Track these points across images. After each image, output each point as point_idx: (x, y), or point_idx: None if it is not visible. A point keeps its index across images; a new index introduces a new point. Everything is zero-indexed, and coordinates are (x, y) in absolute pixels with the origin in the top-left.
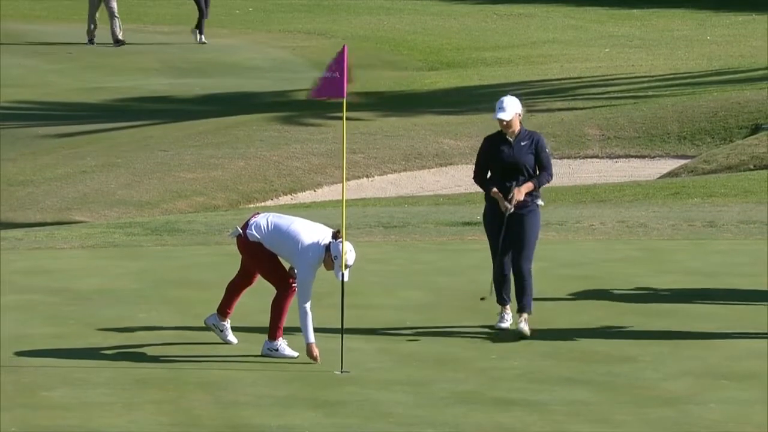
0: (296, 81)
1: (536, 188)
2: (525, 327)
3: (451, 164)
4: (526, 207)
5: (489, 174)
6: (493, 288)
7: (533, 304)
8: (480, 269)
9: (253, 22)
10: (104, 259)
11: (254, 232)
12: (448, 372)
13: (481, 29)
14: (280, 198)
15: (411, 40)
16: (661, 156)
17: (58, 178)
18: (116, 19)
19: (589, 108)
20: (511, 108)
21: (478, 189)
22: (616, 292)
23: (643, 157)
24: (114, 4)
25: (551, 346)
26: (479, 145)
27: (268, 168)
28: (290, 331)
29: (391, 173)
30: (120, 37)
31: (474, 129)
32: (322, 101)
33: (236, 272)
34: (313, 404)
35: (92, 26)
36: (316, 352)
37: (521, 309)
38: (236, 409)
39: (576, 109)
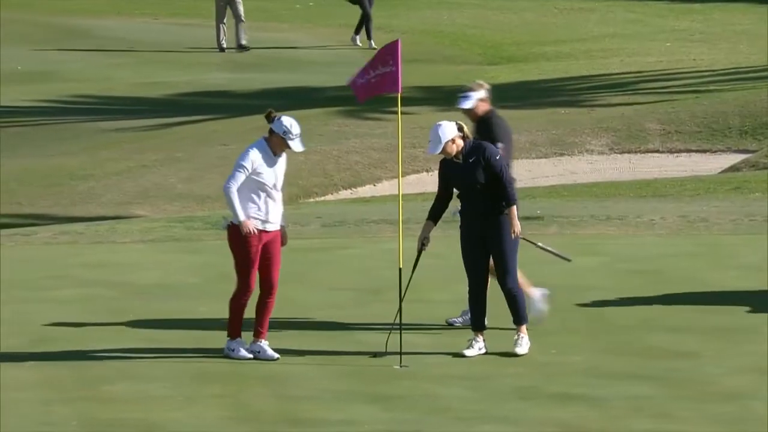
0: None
1: (514, 205)
2: (521, 348)
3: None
4: (496, 223)
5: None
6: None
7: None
8: (539, 264)
9: (313, 17)
10: (164, 253)
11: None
12: (508, 367)
13: (541, 23)
14: (339, 192)
15: (470, 35)
16: (722, 151)
17: (119, 172)
18: (242, 23)
19: (650, 102)
20: (438, 138)
21: (538, 183)
22: (676, 287)
23: (704, 151)
24: (241, 9)
25: (611, 342)
26: (539, 140)
27: (328, 162)
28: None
29: None
30: (243, 42)
31: (534, 124)
32: (379, 96)
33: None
34: (371, 399)
35: (221, 33)
36: (249, 225)
37: (518, 322)
38: (296, 403)
39: (637, 103)
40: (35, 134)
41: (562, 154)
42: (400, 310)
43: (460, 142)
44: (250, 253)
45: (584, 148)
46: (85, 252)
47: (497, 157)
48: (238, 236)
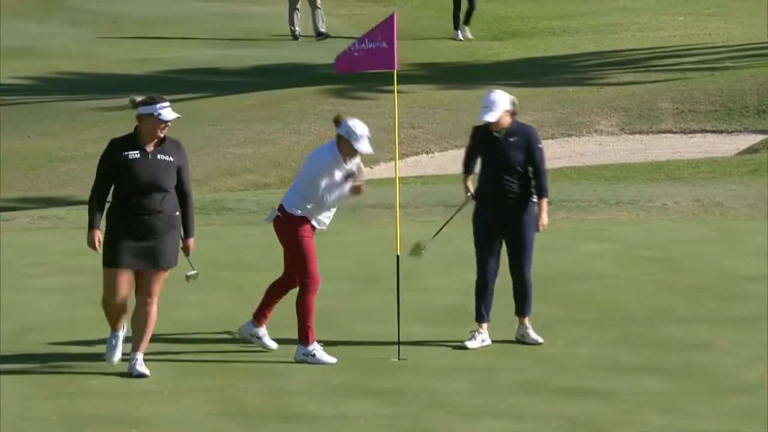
0: None
1: (546, 198)
2: (536, 335)
3: None
4: (523, 210)
5: (480, 168)
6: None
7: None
8: (549, 251)
9: None
10: None
11: (286, 206)
12: (512, 359)
13: None
14: None
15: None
16: (738, 131)
17: (101, 154)
18: (319, 10)
19: (663, 80)
20: (498, 106)
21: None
22: (690, 275)
23: (719, 132)
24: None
25: (621, 332)
26: (545, 120)
27: (322, 143)
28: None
29: (453, 149)
30: (322, 29)
31: (540, 102)
32: (373, 73)
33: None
34: (368, 393)
35: (294, 19)
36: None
37: (523, 313)
38: (288, 397)
39: (648, 81)
40: (12, 114)
41: (569, 135)
42: (398, 299)
43: (508, 118)
44: (311, 242)
45: (593, 128)
46: (65, 238)
47: (540, 145)
48: (293, 227)
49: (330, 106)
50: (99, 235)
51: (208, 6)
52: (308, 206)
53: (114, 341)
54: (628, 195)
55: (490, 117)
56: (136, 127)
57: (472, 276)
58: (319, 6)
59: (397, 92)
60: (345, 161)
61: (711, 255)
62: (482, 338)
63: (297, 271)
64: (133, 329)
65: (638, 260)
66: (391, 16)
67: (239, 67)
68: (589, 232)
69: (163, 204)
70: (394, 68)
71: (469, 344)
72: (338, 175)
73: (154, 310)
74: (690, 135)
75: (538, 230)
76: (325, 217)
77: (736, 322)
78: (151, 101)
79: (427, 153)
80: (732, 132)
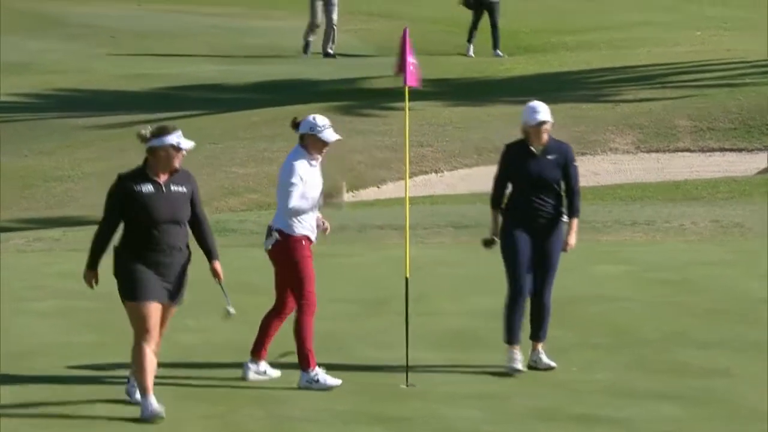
0: (359, 67)
1: (577, 219)
2: (549, 360)
3: None
4: (554, 230)
5: (510, 188)
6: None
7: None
8: (563, 272)
9: None
10: None
11: (283, 228)
12: (524, 386)
13: (562, 10)
14: None
15: (484, 23)
16: (759, 149)
17: (98, 173)
18: (333, 30)
19: (680, 97)
20: (548, 112)
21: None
22: (708, 298)
23: (739, 150)
24: (335, 14)
25: (637, 357)
26: (558, 137)
27: (328, 162)
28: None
29: (463, 168)
30: (331, 50)
31: (554, 120)
32: (383, 90)
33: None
34: (375, 420)
35: (310, 34)
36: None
37: (539, 338)
38: (291, 424)
39: (665, 98)
40: (7, 131)
41: (583, 153)
42: (406, 323)
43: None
44: (310, 264)
45: (608, 146)
46: (61, 260)
47: (575, 163)
48: (295, 248)
49: (336, 123)
50: (96, 277)
51: (209, 20)
52: (298, 218)
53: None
54: (644, 215)
55: (547, 116)
56: (146, 160)
57: (484, 299)
58: (335, 26)
59: (408, 109)
60: (313, 158)
61: (730, 277)
62: (519, 357)
63: (294, 293)
64: (134, 368)
65: (654, 283)
66: (404, 32)
67: (242, 83)
68: (603, 253)
69: (179, 239)
70: (406, 84)
71: (518, 366)
72: (311, 174)
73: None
74: (708, 153)
75: (564, 250)
76: (313, 220)
77: (755, 348)
78: (164, 132)
79: (436, 172)
80: (752, 150)
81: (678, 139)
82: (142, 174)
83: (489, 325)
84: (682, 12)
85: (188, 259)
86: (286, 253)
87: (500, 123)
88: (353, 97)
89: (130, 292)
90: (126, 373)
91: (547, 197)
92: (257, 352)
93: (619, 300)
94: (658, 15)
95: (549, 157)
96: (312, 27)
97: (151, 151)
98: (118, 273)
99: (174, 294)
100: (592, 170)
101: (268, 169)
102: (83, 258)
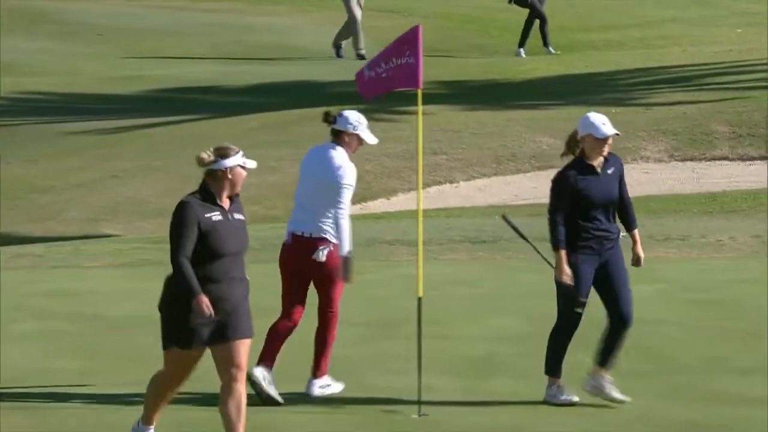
0: None
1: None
2: (619, 393)
3: (551, 167)
4: (617, 248)
5: (572, 210)
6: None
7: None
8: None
9: None
10: (139, 279)
11: (326, 235)
12: (549, 415)
13: (589, 6)
14: None
15: (503, 20)
16: None
17: (85, 183)
18: (359, 29)
19: (717, 100)
20: (610, 123)
21: None
22: (748, 320)
23: None
24: (358, 12)
25: (672, 385)
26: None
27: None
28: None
29: (480, 178)
30: (362, 51)
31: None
32: (393, 92)
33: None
34: None
35: (359, 38)
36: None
37: (610, 364)
38: None
39: (701, 101)
40: None
41: None
42: (419, 347)
43: None
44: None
45: (639, 154)
46: (45, 278)
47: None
48: (336, 256)
49: None
50: (207, 299)
51: (206, 17)
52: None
53: None
54: (678, 230)
55: (612, 130)
56: (204, 183)
57: (503, 321)
58: (359, 25)
59: (419, 114)
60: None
61: (756, 298)
62: (566, 389)
63: (323, 304)
64: (225, 420)
65: (690, 304)
66: (415, 29)
67: (241, 85)
68: (634, 272)
69: (241, 269)
70: (419, 87)
71: (574, 398)
72: None
73: (244, 389)
74: (748, 162)
75: (639, 264)
76: None
77: None
78: (229, 152)
79: (450, 182)
80: None
81: (715, 147)
82: (207, 199)
83: (509, 350)
84: (720, 7)
85: (248, 288)
86: (334, 264)
87: (521, 129)
88: (361, 101)
89: (178, 338)
90: (116, 402)
91: (609, 216)
92: (265, 362)
93: (652, 323)
94: (693, 10)
95: (609, 171)
96: (351, 27)
97: (214, 175)
98: (169, 312)
99: (239, 328)
100: None
101: (271, 178)
102: (68, 275)
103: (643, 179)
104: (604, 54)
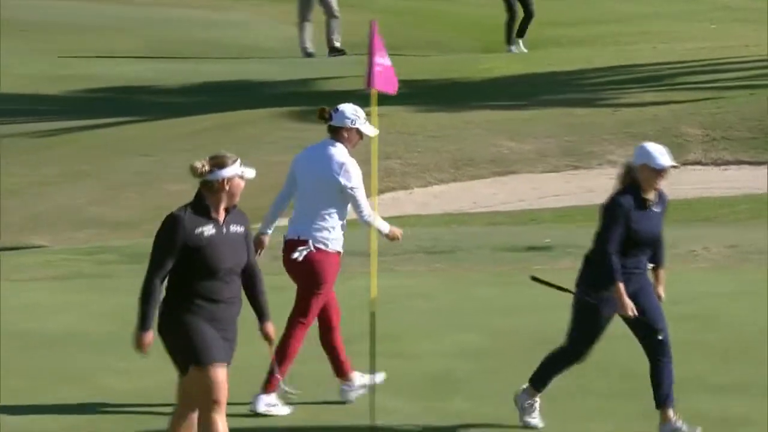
0: (318, 66)
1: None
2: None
3: (511, 173)
4: (646, 279)
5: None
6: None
7: None
8: (553, 308)
9: None
10: (71, 293)
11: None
12: None
13: (552, 0)
14: None
15: (461, 15)
16: None
17: (11, 191)
18: (335, 20)
19: (690, 101)
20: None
21: (546, 204)
22: (724, 336)
23: (759, 163)
24: (334, 2)
25: (644, 405)
26: (547, 149)
27: (280, 177)
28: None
29: (436, 184)
30: (338, 43)
31: (541, 128)
32: (345, 92)
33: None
34: None
35: (306, 33)
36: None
37: (671, 402)
38: None
39: (673, 102)
40: None
41: (576, 167)
42: (372, 366)
43: None
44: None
45: (605, 159)
46: None
47: None
48: (335, 268)
49: (289, 132)
50: (151, 339)
51: (144, 11)
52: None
53: None
54: None
55: (670, 161)
56: (199, 194)
57: (463, 337)
58: (336, 14)
59: (373, 115)
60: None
61: (750, 312)
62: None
63: (299, 308)
64: None
65: None
66: (371, 27)
67: (181, 85)
68: None
69: (237, 288)
70: (372, 87)
71: (537, 422)
72: None
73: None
74: (723, 167)
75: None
76: None
77: None
78: (227, 161)
79: (405, 189)
80: None
81: (688, 151)
82: (201, 212)
83: (467, 367)
84: (694, 1)
85: (239, 311)
86: (316, 270)
87: (480, 131)
88: (310, 101)
89: (196, 354)
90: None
91: (647, 253)
92: (343, 373)
93: (622, 338)
94: (665, 5)
95: (656, 210)
96: (303, 24)
97: (210, 186)
98: (173, 334)
99: (232, 351)
100: (587, 187)
101: None
102: None
103: (610, 186)
104: (569, 51)
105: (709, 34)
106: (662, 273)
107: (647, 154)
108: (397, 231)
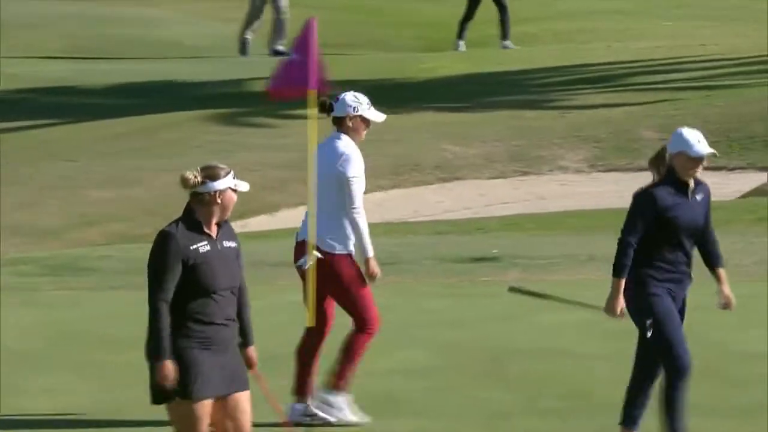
0: (248, 66)
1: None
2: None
3: (457, 179)
4: (689, 283)
5: (652, 236)
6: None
7: None
8: (501, 321)
9: None
10: None
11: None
12: None
13: None
14: None
15: (404, 11)
16: (742, 167)
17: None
18: (283, 21)
19: (645, 103)
20: (706, 140)
21: (493, 212)
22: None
23: (717, 169)
24: (284, 2)
25: (596, 426)
26: (494, 153)
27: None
28: None
29: (377, 191)
30: (281, 46)
31: (488, 131)
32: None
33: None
34: None
35: (249, 31)
36: (376, 268)
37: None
38: None
39: (627, 104)
40: None
41: (525, 173)
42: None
43: None
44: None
45: (555, 164)
46: None
47: None
48: (353, 267)
49: (218, 136)
50: (173, 367)
51: (63, 7)
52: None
53: None
54: (601, 250)
55: (708, 148)
56: (188, 209)
57: (412, 354)
58: (285, 16)
59: (308, 118)
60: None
61: (711, 327)
62: None
63: (353, 314)
64: None
65: (615, 334)
66: (309, 22)
67: (102, 85)
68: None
69: (233, 308)
70: (313, 88)
71: None
72: None
73: None
74: None
75: (729, 308)
76: None
77: (743, 414)
78: (219, 173)
79: None
80: (733, 169)
81: (642, 155)
82: (193, 227)
83: (416, 385)
84: None
85: (237, 333)
86: (336, 272)
87: (423, 135)
88: (240, 103)
89: (182, 387)
90: None
91: (689, 247)
92: (302, 392)
93: (573, 355)
94: (618, 2)
95: (698, 198)
96: (252, 19)
97: (201, 199)
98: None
99: (241, 377)
100: (536, 193)
101: (134, 192)
102: None
103: (560, 192)
104: (516, 50)
105: (664, 32)
106: (722, 272)
107: (684, 141)
108: (377, 270)
